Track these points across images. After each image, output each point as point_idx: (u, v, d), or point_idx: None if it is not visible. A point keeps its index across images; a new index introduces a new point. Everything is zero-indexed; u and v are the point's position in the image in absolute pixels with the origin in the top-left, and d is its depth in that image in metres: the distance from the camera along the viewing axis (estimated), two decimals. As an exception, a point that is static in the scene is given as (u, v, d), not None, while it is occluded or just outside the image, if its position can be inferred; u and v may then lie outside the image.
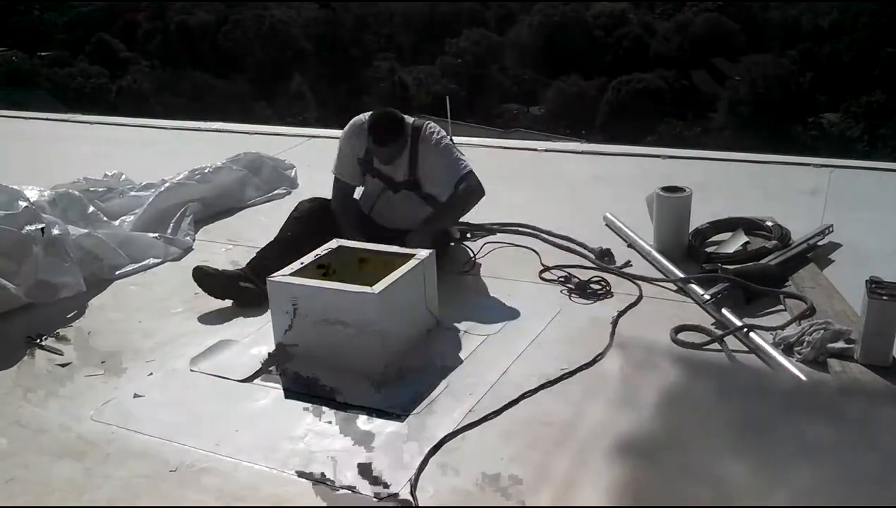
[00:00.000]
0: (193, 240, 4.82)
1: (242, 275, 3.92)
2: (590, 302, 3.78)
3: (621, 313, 3.60)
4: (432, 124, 4.11)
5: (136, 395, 3.18)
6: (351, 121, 4.22)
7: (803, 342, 3.16)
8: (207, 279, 3.90)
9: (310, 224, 4.07)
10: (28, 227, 3.96)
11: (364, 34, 46.08)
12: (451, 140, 4.17)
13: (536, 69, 43.03)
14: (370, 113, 4.11)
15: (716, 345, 3.29)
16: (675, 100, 37.69)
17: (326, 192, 4.31)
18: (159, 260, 4.55)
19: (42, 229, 3.99)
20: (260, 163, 5.67)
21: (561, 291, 3.88)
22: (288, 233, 4.09)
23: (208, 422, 2.98)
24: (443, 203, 4.03)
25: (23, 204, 4.10)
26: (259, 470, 2.69)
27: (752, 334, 3.30)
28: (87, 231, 4.44)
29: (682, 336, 3.36)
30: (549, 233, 4.52)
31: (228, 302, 3.95)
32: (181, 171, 5.23)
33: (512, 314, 3.67)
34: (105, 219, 4.85)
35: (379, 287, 3.18)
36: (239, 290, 3.87)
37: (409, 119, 4.10)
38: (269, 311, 3.42)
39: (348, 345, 3.23)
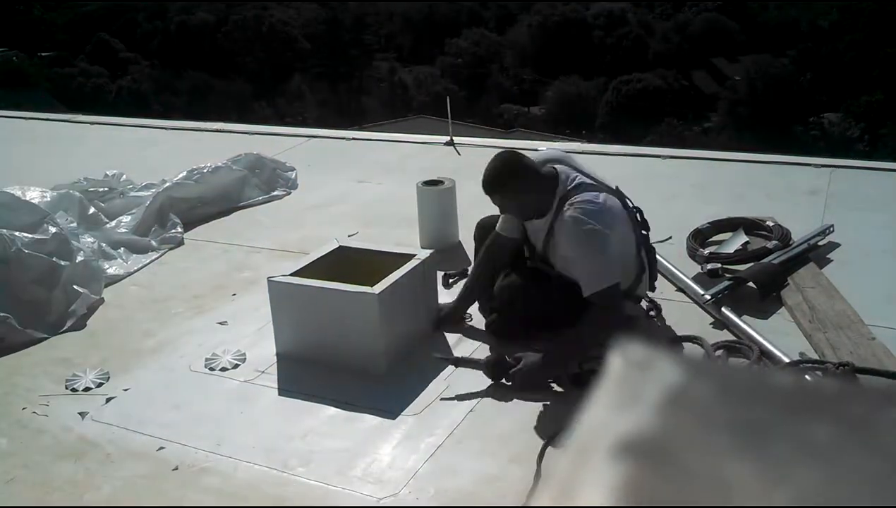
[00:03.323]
0: (182, 233, 4.83)
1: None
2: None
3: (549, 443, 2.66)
4: (585, 196, 3.10)
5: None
6: None
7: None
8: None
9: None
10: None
11: (364, 34, 46.10)
12: (601, 230, 3.05)
13: (536, 69, 43.06)
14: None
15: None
16: (675, 101, 37.71)
17: (326, 191, 4.31)
18: (156, 257, 4.56)
19: None
20: (260, 164, 5.67)
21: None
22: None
23: (208, 422, 2.98)
24: (587, 331, 3.03)
25: (52, 229, 4.09)
26: (259, 470, 2.69)
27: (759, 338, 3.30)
28: (91, 239, 4.45)
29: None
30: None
31: (229, 301, 3.97)
32: (181, 171, 5.23)
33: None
34: (105, 219, 4.86)
35: (379, 287, 3.18)
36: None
37: (568, 173, 3.21)
38: (269, 311, 3.42)
39: (348, 345, 3.23)
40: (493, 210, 3.45)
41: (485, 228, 3.67)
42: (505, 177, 3.18)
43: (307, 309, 3.32)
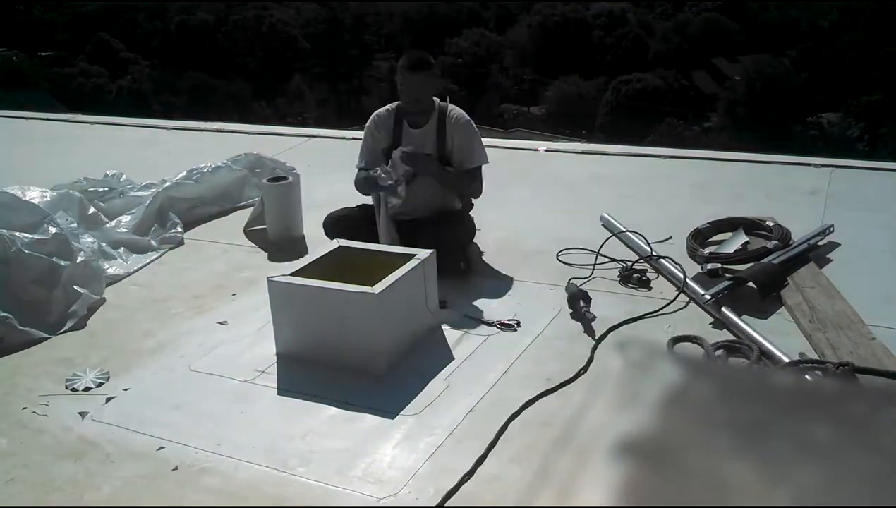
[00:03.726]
0: (182, 233, 4.83)
1: None
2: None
3: (615, 327, 3.50)
4: (457, 108, 4.27)
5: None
6: (372, 116, 4.28)
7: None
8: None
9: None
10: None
11: (364, 34, 46.07)
12: None
13: (536, 69, 43.03)
14: (393, 102, 4.22)
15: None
16: (675, 101, 37.68)
17: (326, 191, 4.32)
18: (156, 257, 4.57)
19: None
20: (260, 164, 5.67)
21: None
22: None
23: (208, 422, 2.98)
24: (463, 173, 4.15)
25: (53, 229, 4.09)
26: (259, 470, 2.69)
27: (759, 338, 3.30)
28: (91, 239, 4.45)
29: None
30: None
31: (229, 301, 3.97)
32: (181, 171, 5.23)
33: (512, 313, 3.67)
34: (105, 219, 4.86)
35: (379, 287, 3.18)
36: None
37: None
38: (269, 311, 3.43)
39: (348, 345, 3.23)
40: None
41: (338, 219, 4.15)
42: (430, 60, 4.15)
43: (307, 309, 3.32)
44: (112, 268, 4.36)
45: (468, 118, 4.20)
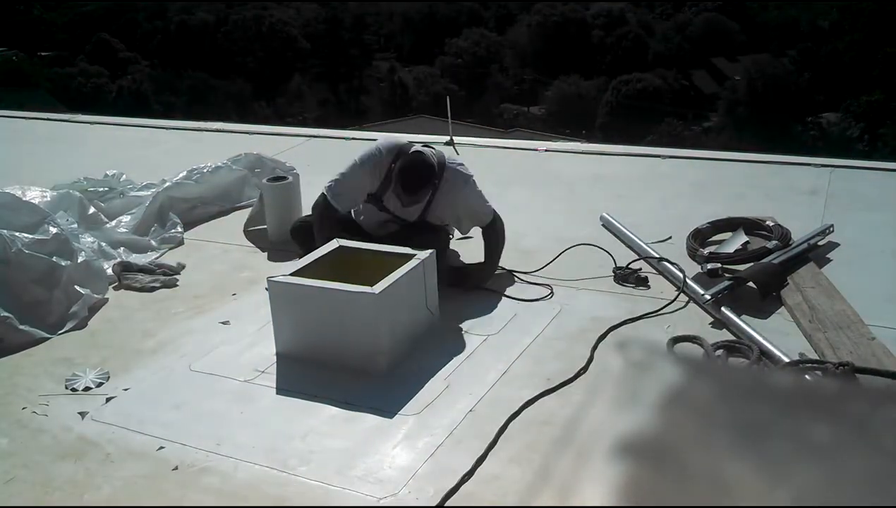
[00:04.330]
0: (182, 233, 4.83)
1: None
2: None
3: (615, 326, 3.50)
4: (454, 159, 4.01)
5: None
6: (371, 153, 3.86)
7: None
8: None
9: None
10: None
11: (364, 34, 46.09)
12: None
13: (536, 69, 43.06)
14: (397, 152, 3.79)
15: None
16: (675, 101, 37.70)
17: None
18: (156, 257, 4.57)
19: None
20: (260, 164, 5.67)
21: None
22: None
23: (208, 422, 2.98)
24: (492, 249, 3.98)
25: (53, 229, 4.08)
26: (259, 470, 2.69)
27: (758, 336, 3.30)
28: (91, 239, 4.45)
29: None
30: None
31: (229, 301, 3.97)
32: (181, 171, 5.23)
33: (512, 313, 3.67)
34: (105, 219, 4.86)
35: (379, 287, 3.18)
36: None
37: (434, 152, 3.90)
38: (269, 311, 3.43)
39: (348, 345, 3.23)
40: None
41: (303, 229, 4.05)
42: (431, 176, 3.75)
43: (307, 309, 3.32)
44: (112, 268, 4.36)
45: (461, 181, 3.87)
